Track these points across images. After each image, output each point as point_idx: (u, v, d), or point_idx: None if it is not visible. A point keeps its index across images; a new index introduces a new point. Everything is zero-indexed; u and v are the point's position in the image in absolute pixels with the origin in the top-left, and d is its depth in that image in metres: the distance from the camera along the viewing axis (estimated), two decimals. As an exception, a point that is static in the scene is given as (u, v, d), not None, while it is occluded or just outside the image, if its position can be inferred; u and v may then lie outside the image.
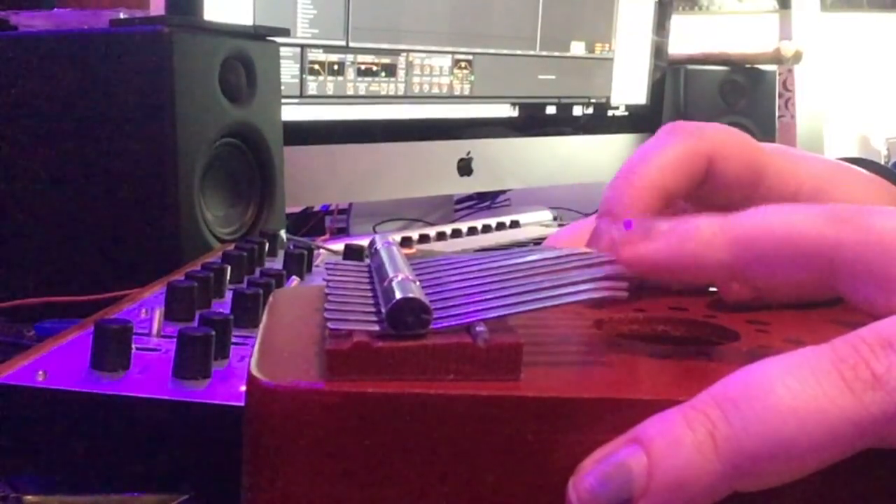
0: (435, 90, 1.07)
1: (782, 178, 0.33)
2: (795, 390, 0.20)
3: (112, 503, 0.36)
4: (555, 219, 1.14)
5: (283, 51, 0.85)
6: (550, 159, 1.24)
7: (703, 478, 0.20)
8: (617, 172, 0.32)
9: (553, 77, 1.22)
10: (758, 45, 1.57)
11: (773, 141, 1.51)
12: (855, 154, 2.18)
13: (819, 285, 0.26)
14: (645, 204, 0.31)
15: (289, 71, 0.91)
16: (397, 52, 1.02)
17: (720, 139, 0.32)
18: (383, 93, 1.01)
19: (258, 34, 0.73)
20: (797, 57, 1.55)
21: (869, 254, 0.24)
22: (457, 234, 0.95)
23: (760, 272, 0.26)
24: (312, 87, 0.94)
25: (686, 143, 0.32)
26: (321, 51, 0.95)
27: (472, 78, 1.11)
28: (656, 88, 1.40)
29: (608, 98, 1.32)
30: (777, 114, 1.57)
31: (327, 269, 0.29)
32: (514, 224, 1.02)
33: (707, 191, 0.32)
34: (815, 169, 0.34)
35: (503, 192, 1.34)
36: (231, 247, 0.59)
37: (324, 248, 0.71)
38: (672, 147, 0.32)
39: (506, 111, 1.17)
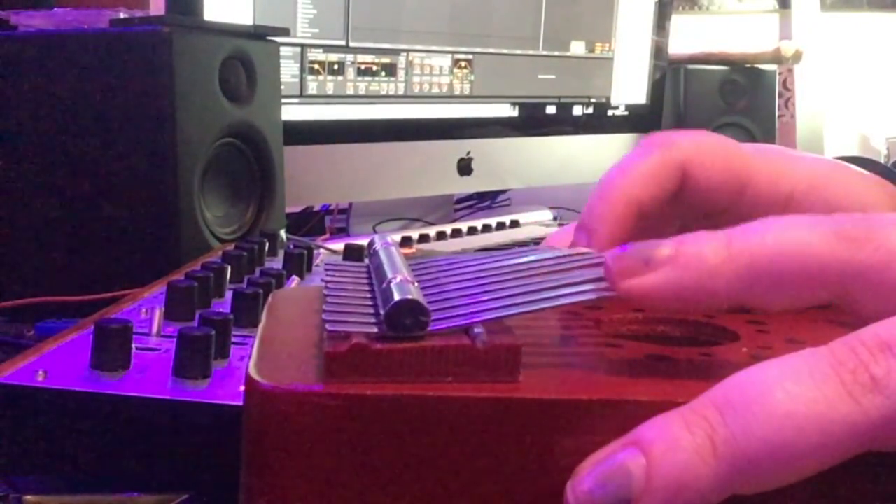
0: (435, 90, 1.07)
1: (773, 181, 0.33)
2: (794, 394, 0.20)
3: (112, 503, 0.36)
4: (555, 219, 1.14)
5: (283, 51, 0.85)
6: (550, 159, 1.24)
7: (701, 481, 0.20)
8: (595, 186, 0.32)
9: (553, 77, 1.22)
10: (758, 45, 1.57)
11: (772, 141, 1.51)
12: (855, 154, 2.18)
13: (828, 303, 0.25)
14: (619, 216, 0.31)
15: (289, 71, 0.91)
16: (397, 52, 1.02)
17: (695, 147, 0.32)
18: (383, 92, 1.01)
19: (258, 34, 0.73)
20: (797, 57, 1.55)
21: (890, 277, 0.23)
22: (457, 233, 0.95)
23: (770, 298, 0.24)
24: (312, 86, 0.94)
25: (658, 154, 0.32)
26: (321, 50, 0.95)
27: (472, 78, 1.11)
28: (656, 88, 1.40)
29: (608, 98, 1.32)
30: (777, 113, 1.57)
31: (326, 269, 0.29)
32: (514, 224, 1.02)
33: (688, 198, 0.33)
34: (810, 169, 0.34)
35: (503, 191, 1.34)
36: (231, 247, 0.59)
37: (324, 247, 0.71)
38: (645, 159, 0.32)
39: (506, 111, 1.17)
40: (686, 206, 0.34)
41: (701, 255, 0.24)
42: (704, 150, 0.32)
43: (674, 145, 0.32)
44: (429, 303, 0.23)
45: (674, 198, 0.32)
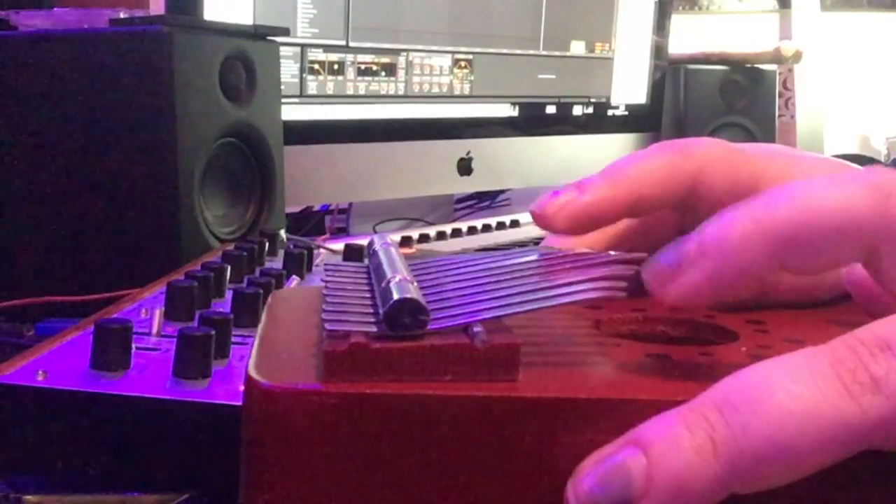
0: (435, 90, 1.07)
1: (779, 183, 0.33)
2: (794, 393, 0.20)
3: (112, 503, 0.36)
4: (555, 219, 1.13)
5: (283, 51, 0.85)
6: (550, 159, 1.24)
7: (701, 480, 0.20)
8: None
9: (553, 77, 1.22)
10: (758, 45, 1.57)
11: (772, 141, 1.51)
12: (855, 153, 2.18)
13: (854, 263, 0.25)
14: (616, 195, 0.31)
15: (289, 71, 0.91)
16: (397, 52, 1.02)
17: (707, 160, 0.32)
18: (383, 92, 1.01)
19: (258, 34, 0.73)
20: (797, 57, 1.55)
21: None
22: (457, 233, 0.95)
23: (805, 259, 0.24)
24: (312, 86, 0.94)
25: (671, 159, 0.32)
26: (321, 50, 0.95)
27: (472, 77, 1.11)
28: (656, 88, 1.40)
29: (608, 98, 1.32)
30: (777, 113, 1.57)
31: (326, 270, 0.29)
32: (514, 224, 1.02)
33: (693, 205, 0.33)
34: (812, 169, 0.34)
35: (503, 191, 1.34)
36: (231, 247, 0.59)
37: (324, 247, 0.71)
38: (656, 159, 0.32)
39: (506, 111, 1.17)
40: (689, 213, 0.34)
41: (728, 234, 0.24)
42: (716, 162, 0.32)
43: (687, 154, 0.32)
44: (428, 302, 0.23)
45: (675, 205, 0.33)
